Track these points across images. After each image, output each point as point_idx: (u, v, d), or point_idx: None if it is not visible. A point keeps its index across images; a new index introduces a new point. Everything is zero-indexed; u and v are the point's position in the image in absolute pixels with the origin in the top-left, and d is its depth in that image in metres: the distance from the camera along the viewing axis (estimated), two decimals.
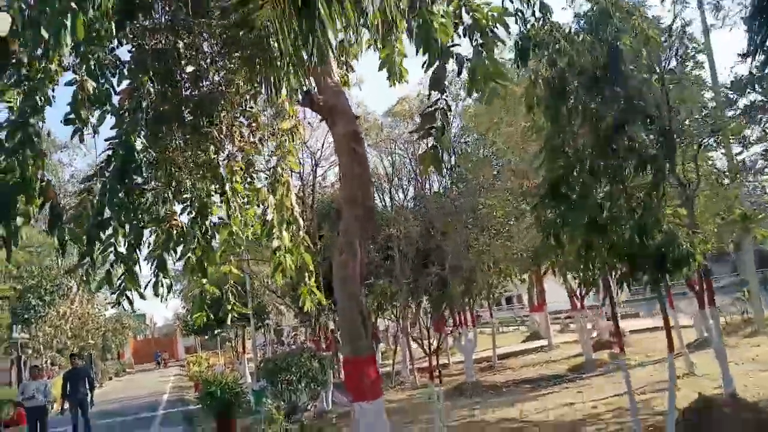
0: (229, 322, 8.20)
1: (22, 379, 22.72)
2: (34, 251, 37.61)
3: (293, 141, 7.44)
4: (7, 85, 4.19)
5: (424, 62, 4.49)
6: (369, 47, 6.60)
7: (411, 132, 10.02)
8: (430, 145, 4.56)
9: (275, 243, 7.13)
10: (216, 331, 24.27)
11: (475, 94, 5.04)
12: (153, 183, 6.17)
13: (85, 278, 5.76)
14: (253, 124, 7.07)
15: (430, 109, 4.59)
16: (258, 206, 7.37)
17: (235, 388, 11.16)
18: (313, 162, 15.78)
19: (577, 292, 14.11)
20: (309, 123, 11.90)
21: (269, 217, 7.18)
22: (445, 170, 17.39)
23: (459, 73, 4.73)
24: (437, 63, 4.38)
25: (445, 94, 4.61)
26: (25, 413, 11.27)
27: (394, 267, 17.08)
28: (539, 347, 19.02)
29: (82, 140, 4.75)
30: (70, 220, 5.17)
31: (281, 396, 10.25)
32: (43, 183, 4.66)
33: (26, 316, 33.42)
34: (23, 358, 28.75)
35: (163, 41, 5.73)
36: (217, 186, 6.72)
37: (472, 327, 14.38)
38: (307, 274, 7.25)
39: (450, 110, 5.16)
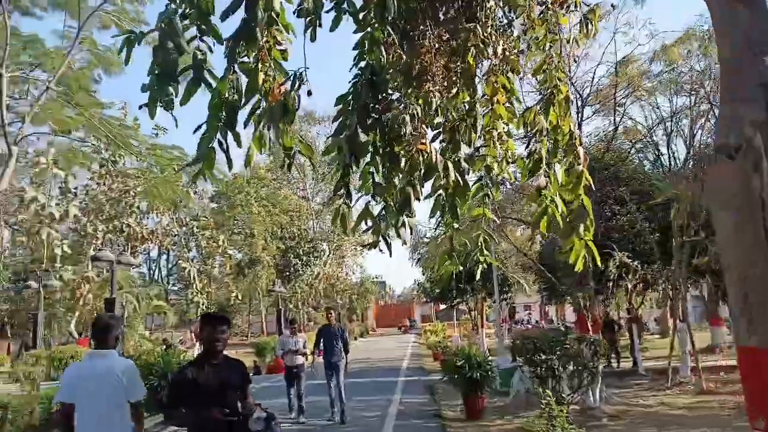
0: (477, 277, 6.40)
1: (282, 330, 24.86)
2: (294, 214, 41.86)
3: (579, 41, 5.42)
4: None
5: None
6: None
7: None
8: None
9: (542, 181, 5.31)
10: (455, 301, 23.55)
11: None
12: (403, 100, 4.84)
13: (342, 212, 4.63)
14: (527, 20, 5.24)
15: None
16: (527, 131, 5.55)
17: (484, 365, 9.77)
18: (581, 101, 13.37)
19: None
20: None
21: (534, 148, 5.37)
22: None
23: None
24: None
25: None
26: (285, 369, 10.81)
27: (668, 240, 14.01)
28: None
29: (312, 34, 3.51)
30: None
31: (542, 382, 8.51)
32: (269, 77, 3.50)
33: (287, 273, 37.46)
34: (284, 311, 31.78)
35: None
36: (474, 107, 5.13)
37: None
38: (584, 224, 5.28)
39: None
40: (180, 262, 36.95)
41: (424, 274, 35.48)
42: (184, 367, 3.90)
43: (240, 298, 36.45)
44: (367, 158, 4.62)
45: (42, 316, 21.52)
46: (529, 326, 42.38)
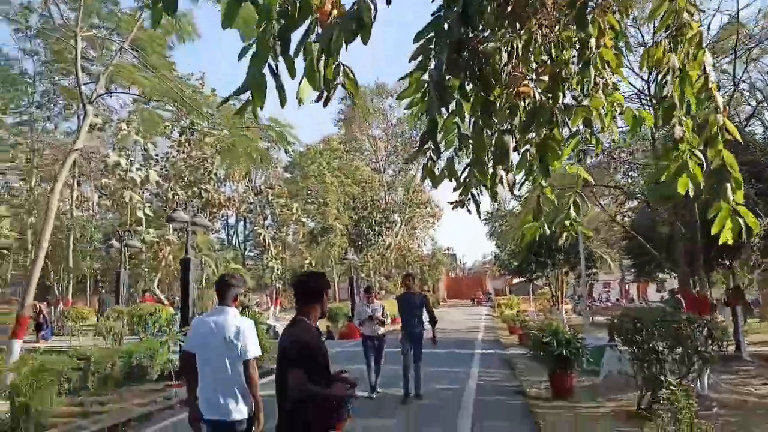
0: (560, 242, 5.59)
1: (354, 297, 24.74)
2: (366, 185, 41.69)
3: None
4: None
5: None
6: None
7: None
8: None
9: (677, 130, 4.37)
10: (534, 275, 22.48)
11: None
12: (497, 37, 4.04)
13: (431, 167, 3.97)
14: None
15: None
16: (653, 71, 4.58)
17: (574, 342, 8.94)
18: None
19: None
20: None
21: (667, 91, 4.39)
22: None
23: None
24: None
25: None
26: (362, 338, 9.67)
27: None
28: None
29: None
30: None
31: (642, 365, 7.62)
32: None
33: (359, 242, 37.49)
34: (356, 279, 31.74)
35: None
36: (579, 48, 4.23)
37: None
38: (730, 183, 4.30)
39: None
40: (256, 228, 37.70)
41: (499, 247, 34.43)
42: (304, 331, 3.29)
43: (313, 264, 36.80)
44: (451, 106, 3.89)
45: (125, 274, 22.40)
46: (609, 304, 40.61)
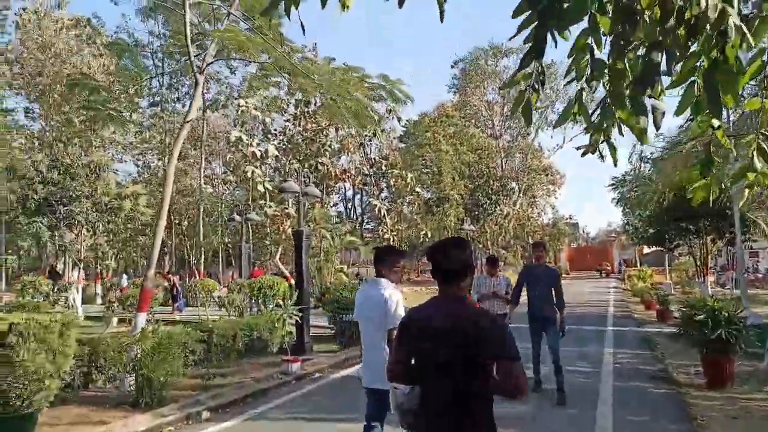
0: (741, 204, 4.45)
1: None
2: (482, 152, 40.29)
3: None
4: None
5: None
6: None
7: None
8: None
9: None
10: (674, 243, 20.18)
11: None
12: None
13: (528, 98, 3.09)
14: None
15: None
16: None
17: (735, 322, 7.59)
18: None
19: None
20: None
21: None
22: None
23: None
24: None
25: None
26: None
27: None
28: None
29: None
30: None
31: None
32: None
33: (476, 212, 36.40)
34: (473, 250, 30.88)
35: None
36: None
37: None
38: None
39: None
40: (371, 200, 37.89)
41: (627, 214, 31.74)
42: (494, 315, 2.82)
43: (429, 236, 36.37)
44: (581, 24, 2.89)
45: (246, 247, 23.27)
46: (759, 275, 36.22)
